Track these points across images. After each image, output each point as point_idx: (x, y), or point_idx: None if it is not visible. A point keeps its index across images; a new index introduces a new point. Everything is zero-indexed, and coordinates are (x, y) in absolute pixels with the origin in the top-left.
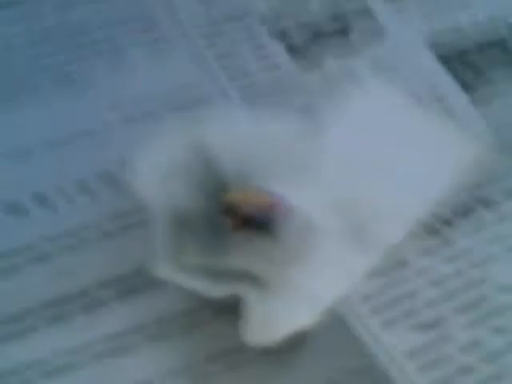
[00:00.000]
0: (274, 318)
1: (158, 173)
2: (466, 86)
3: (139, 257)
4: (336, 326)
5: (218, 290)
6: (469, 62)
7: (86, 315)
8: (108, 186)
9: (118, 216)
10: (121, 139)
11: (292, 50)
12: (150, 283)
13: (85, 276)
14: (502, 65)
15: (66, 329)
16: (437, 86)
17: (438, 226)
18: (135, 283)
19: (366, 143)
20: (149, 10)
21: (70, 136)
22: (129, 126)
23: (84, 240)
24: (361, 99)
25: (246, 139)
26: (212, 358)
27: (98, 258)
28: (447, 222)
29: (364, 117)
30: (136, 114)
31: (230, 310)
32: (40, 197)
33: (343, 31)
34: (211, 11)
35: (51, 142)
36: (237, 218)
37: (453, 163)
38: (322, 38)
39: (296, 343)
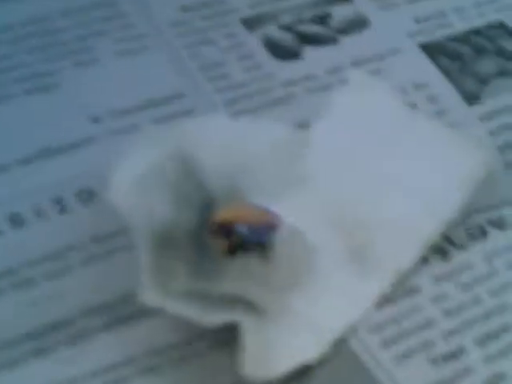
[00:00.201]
0: (273, 348)
1: (136, 184)
2: (452, 78)
3: (126, 282)
4: (344, 359)
5: (211, 318)
6: (454, 53)
7: (72, 347)
8: (89, 205)
9: (102, 238)
10: (101, 153)
11: (269, 41)
12: (140, 311)
13: (70, 303)
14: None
15: (49, 362)
16: (422, 79)
17: (452, 250)
18: (124, 311)
19: (361, 147)
20: (127, 18)
21: (46, 151)
22: (109, 139)
23: (67, 264)
24: (345, 94)
25: (232, 150)
26: None
27: (84, 283)
28: (461, 246)
29: (353, 115)
30: (117, 127)
31: (227, 341)
32: (16, 218)
33: (323, 19)
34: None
35: (26, 157)
36: (229, 239)
37: (460, 176)
38: (301, 25)
39: (299, 378)
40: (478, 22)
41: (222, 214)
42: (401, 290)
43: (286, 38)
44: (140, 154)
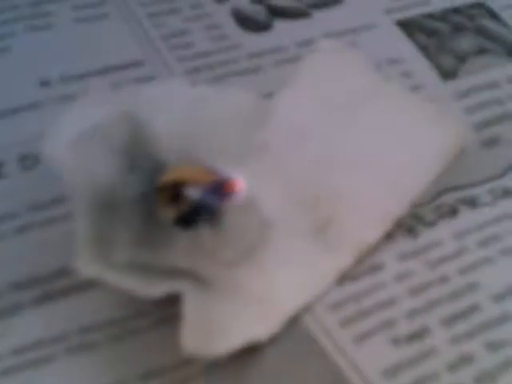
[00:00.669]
0: (218, 323)
1: (74, 144)
2: (428, 54)
3: (62, 255)
4: (297, 338)
5: (153, 289)
6: (432, 30)
7: None
8: (32, 171)
9: (40, 206)
10: (48, 119)
11: (239, 14)
12: (75, 286)
13: None
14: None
15: None
16: (397, 55)
17: (419, 227)
18: (57, 286)
19: (325, 118)
20: None
21: None
22: (58, 104)
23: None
24: (313, 62)
25: (189, 115)
26: (147, 376)
27: (14, 254)
28: (429, 223)
29: (320, 84)
30: (67, 92)
31: (170, 319)
32: None
33: None
34: None
35: None
36: (178, 205)
37: (430, 151)
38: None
39: (247, 357)
40: (458, 2)
41: (171, 174)
42: (363, 266)
43: (257, 10)
44: (82, 113)
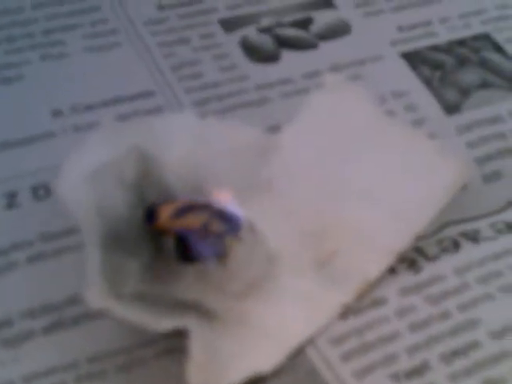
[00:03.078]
0: (225, 357)
1: (86, 179)
2: (432, 88)
3: (73, 284)
4: (300, 371)
5: (160, 323)
6: (436, 62)
7: (8, 349)
8: (45, 201)
9: (52, 236)
10: (60, 149)
11: (248, 44)
12: (84, 315)
13: (9, 303)
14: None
15: None
16: (401, 87)
17: (422, 262)
18: (67, 314)
19: (330, 153)
20: (100, 12)
21: (4, 143)
22: (70, 135)
23: (12, 261)
24: (319, 97)
25: (195, 150)
26: None
27: (26, 282)
28: (432, 257)
29: (325, 120)
30: (79, 123)
31: (177, 349)
32: None
33: (304, 23)
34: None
35: None
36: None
37: (434, 187)
38: (281, 29)
39: None
40: (464, 33)
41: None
42: (366, 300)
43: (265, 41)
44: (95, 149)
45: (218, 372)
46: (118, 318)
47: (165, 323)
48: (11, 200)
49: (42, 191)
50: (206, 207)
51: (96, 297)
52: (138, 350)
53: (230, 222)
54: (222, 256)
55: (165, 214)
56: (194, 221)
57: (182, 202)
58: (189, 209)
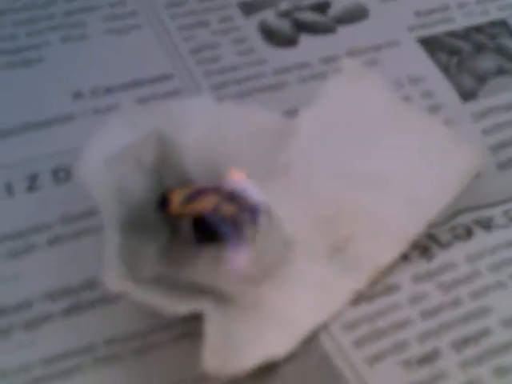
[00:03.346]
0: (240, 342)
1: (106, 162)
2: (449, 74)
3: (92, 267)
4: (314, 357)
5: (178, 307)
6: (453, 48)
7: (27, 331)
8: (65, 184)
9: (70, 219)
10: (81, 131)
11: (266, 28)
12: (102, 298)
13: (29, 285)
14: (489, 54)
15: (2, 346)
16: (418, 73)
17: (434, 249)
18: (86, 297)
19: (346, 139)
20: None
21: (25, 126)
22: (90, 117)
23: (31, 244)
24: (336, 83)
25: (214, 134)
26: None
27: (46, 265)
28: (445, 245)
29: (342, 105)
30: (99, 105)
31: (193, 333)
32: None
33: (322, 7)
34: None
35: (3, 131)
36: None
37: (448, 173)
38: (299, 12)
39: (265, 374)
40: (481, 19)
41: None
42: (378, 287)
43: (283, 25)
44: (115, 132)
45: (233, 356)
46: (136, 300)
47: (181, 307)
48: (32, 183)
49: (63, 174)
50: (217, 190)
51: (114, 279)
52: (154, 334)
53: (246, 206)
54: (239, 239)
55: (176, 200)
56: (205, 204)
57: (192, 187)
58: (199, 193)
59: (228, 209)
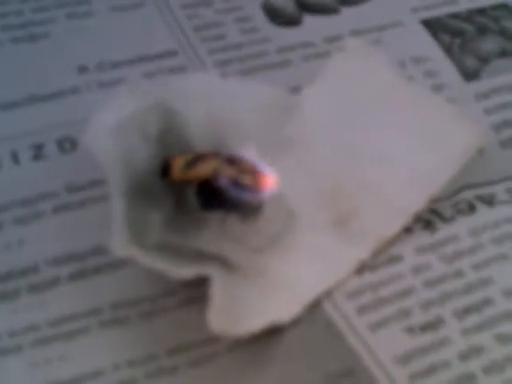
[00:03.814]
0: (243, 305)
1: (113, 132)
2: (452, 55)
3: (98, 234)
4: (317, 323)
5: (183, 271)
6: (456, 30)
7: (34, 294)
8: (70, 154)
9: (78, 187)
10: (86, 104)
11: (270, 7)
12: (109, 264)
13: (36, 251)
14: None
15: (9, 308)
16: (421, 53)
17: (437, 223)
18: (92, 263)
19: (350, 114)
20: None
21: (31, 97)
22: (95, 90)
23: (38, 211)
24: (340, 60)
25: (218, 108)
26: (174, 351)
27: (52, 231)
28: (448, 219)
29: (346, 82)
30: (104, 79)
31: (199, 298)
32: None
33: None
34: None
35: (10, 103)
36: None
37: (450, 149)
38: None
39: (270, 338)
40: (484, 2)
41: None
42: (382, 258)
43: (287, 5)
44: (120, 104)
45: (238, 318)
46: (142, 265)
47: (188, 271)
48: (38, 152)
49: (68, 144)
50: (216, 155)
51: (120, 245)
52: (160, 299)
53: (246, 168)
54: (247, 208)
55: (177, 166)
56: (205, 169)
57: (193, 153)
58: (200, 158)
59: (228, 171)
